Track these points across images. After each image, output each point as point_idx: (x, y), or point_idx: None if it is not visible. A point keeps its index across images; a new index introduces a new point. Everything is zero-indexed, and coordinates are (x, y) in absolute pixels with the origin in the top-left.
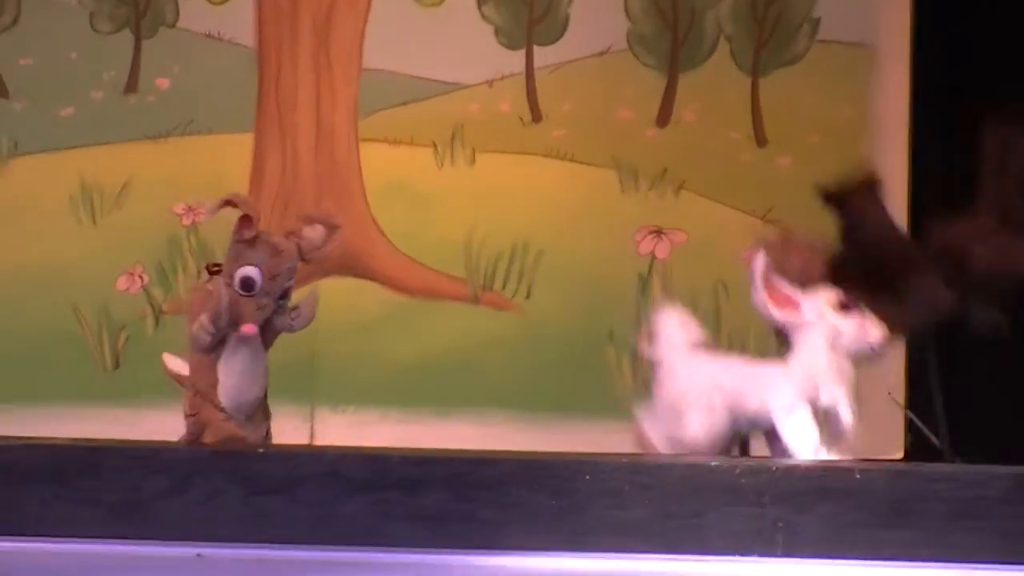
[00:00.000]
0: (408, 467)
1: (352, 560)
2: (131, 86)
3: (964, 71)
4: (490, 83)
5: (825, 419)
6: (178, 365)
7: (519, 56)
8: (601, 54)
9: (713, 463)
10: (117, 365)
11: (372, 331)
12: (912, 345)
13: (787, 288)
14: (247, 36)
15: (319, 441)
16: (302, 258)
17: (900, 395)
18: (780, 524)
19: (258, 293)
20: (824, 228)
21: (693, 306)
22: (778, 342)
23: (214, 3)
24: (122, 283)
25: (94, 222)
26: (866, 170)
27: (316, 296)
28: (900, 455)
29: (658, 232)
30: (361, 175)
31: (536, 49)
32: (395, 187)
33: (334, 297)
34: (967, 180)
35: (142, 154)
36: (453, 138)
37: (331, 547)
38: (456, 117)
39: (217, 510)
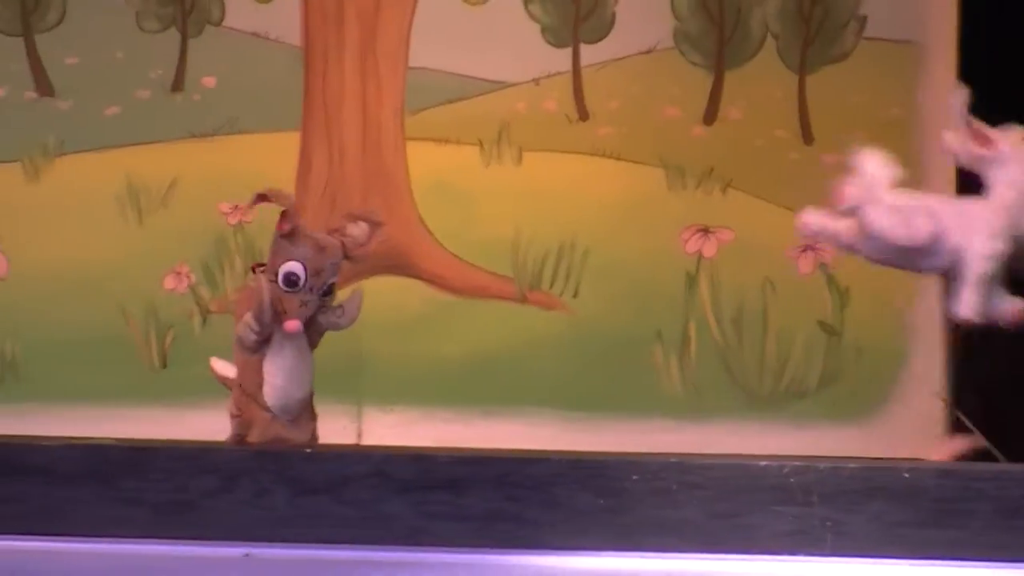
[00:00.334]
0: (455, 467)
1: (399, 560)
2: (177, 85)
3: (1010, 69)
4: (536, 81)
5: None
6: (226, 368)
7: (565, 54)
8: (647, 52)
9: (762, 463)
10: (164, 365)
11: (418, 330)
12: (958, 344)
13: (983, 125)
14: (293, 35)
15: (366, 441)
16: (346, 255)
17: (946, 394)
18: (828, 523)
19: (302, 289)
20: None
21: (740, 305)
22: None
23: (260, 2)
24: (169, 282)
25: (140, 221)
26: None
27: (361, 294)
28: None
29: (705, 230)
30: (408, 174)
31: (583, 47)
32: (441, 186)
33: (380, 296)
34: None
35: (188, 153)
36: (499, 137)
37: (378, 547)
38: (502, 115)
39: (264, 510)
